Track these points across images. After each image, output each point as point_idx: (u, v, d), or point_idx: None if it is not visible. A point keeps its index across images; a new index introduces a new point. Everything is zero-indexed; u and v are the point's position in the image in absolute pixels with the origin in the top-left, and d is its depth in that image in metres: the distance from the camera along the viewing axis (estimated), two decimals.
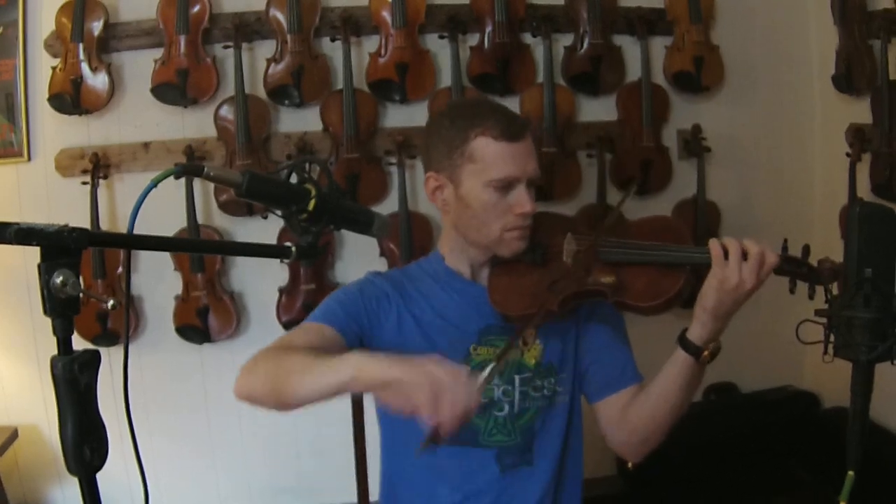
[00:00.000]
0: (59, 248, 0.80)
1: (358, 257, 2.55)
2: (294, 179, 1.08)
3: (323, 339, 1.25)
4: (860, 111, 2.37)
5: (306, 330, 1.29)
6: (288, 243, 1.07)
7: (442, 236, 1.48)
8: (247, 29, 2.41)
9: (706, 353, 1.23)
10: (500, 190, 1.31)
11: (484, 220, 1.33)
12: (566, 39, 2.54)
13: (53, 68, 2.36)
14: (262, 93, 2.44)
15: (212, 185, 2.42)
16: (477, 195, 1.32)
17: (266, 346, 1.21)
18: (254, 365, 1.16)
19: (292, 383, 1.07)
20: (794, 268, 1.22)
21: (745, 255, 1.17)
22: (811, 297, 1.24)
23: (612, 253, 1.31)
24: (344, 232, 2.28)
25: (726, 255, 1.18)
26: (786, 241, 1.25)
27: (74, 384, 0.80)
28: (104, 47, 2.39)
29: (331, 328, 1.28)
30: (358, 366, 1.01)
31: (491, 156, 1.30)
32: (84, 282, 1.02)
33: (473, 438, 1.37)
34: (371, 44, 2.48)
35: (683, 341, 1.25)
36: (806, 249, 1.24)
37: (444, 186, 1.36)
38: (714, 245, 1.19)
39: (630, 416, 1.35)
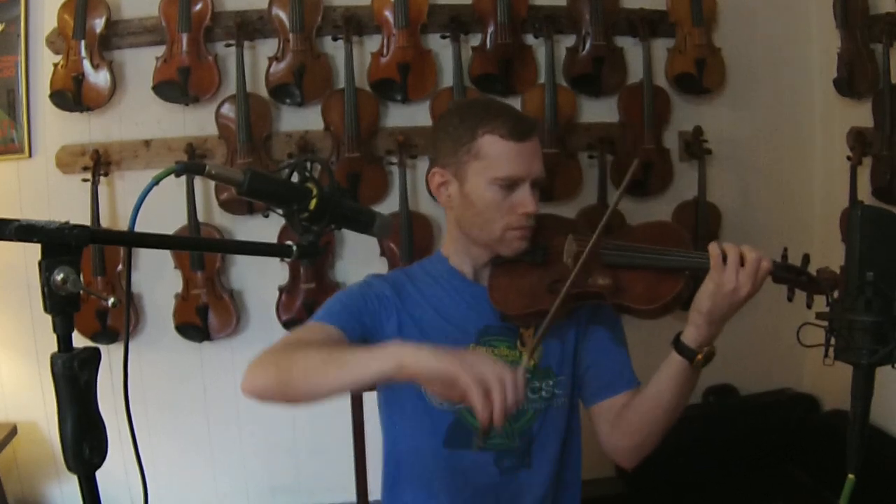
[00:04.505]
0: (61, 245, 0.80)
1: (358, 257, 2.55)
2: (295, 178, 1.08)
3: (328, 337, 1.24)
4: (861, 115, 2.37)
5: (311, 329, 1.29)
6: (289, 242, 1.07)
7: (446, 236, 1.48)
8: (249, 27, 2.41)
9: (700, 356, 1.23)
10: (504, 188, 1.31)
11: (487, 217, 1.33)
12: (568, 40, 2.54)
13: (55, 65, 2.36)
14: (263, 91, 2.44)
15: (213, 184, 2.42)
16: (481, 193, 1.32)
17: (270, 345, 1.19)
18: (265, 360, 1.14)
19: (315, 375, 1.04)
20: (793, 276, 1.22)
21: (742, 261, 1.18)
22: (809, 306, 1.24)
23: (612, 255, 1.31)
24: (344, 231, 2.29)
25: (724, 259, 1.18)
26: (786, 249, 1.26)
27: (74, 381, 0.81)
28: (106, 44, 2.39)
29: (334, 327, 1.27)
30: (402, 356, 0.98)
31: (497, 154, 1.30)
32: (83, 279, 1.02)
33: (473, 443, 1.37)
34: (373, 43, 2.48)
35: (678, 344, 1.25)
36: (805, 258, 1.24)
37: (450, 182, 1.37)
38: (713, 248, 1.19)
39: (625, 420, 1.36)
